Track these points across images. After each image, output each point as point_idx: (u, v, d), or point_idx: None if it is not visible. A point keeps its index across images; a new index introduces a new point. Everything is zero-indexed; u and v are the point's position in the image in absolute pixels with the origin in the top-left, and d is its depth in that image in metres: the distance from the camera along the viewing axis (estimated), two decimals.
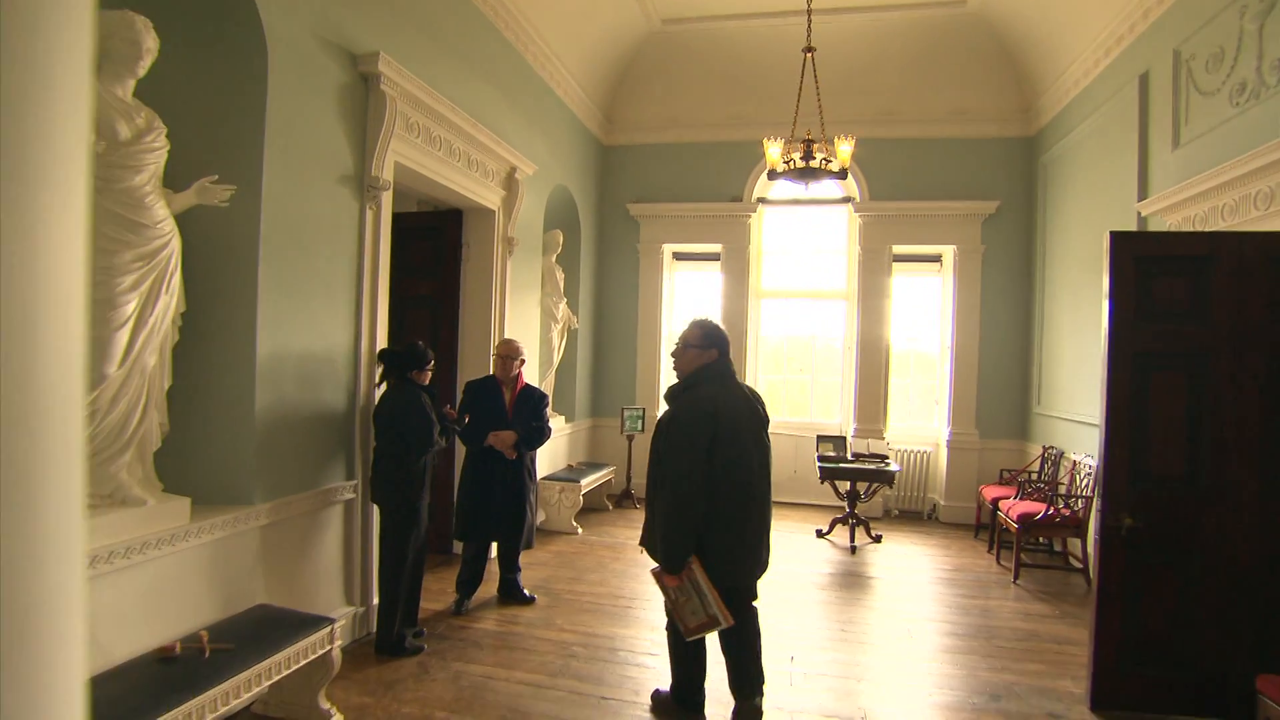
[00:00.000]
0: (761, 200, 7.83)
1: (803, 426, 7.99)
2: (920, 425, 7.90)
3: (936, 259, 7.75)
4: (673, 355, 3.03)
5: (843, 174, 4.46)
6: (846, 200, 7.74)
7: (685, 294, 8.40)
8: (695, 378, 2.88)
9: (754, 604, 2.99)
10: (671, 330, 8.28)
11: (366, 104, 3.79)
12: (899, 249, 7.55)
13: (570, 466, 6.94)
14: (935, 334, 7.85)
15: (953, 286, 7.40)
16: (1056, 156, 6.52)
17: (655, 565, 2.84)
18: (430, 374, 3.78)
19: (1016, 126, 7.21)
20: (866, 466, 6.03)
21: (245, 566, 3.06)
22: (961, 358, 7.33)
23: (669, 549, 2.70)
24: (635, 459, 7.38)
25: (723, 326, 3.09)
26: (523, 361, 4.39)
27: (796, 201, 7.95)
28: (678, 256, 8.29)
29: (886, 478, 5.99)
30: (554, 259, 6.91)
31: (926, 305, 7.90)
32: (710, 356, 2.91)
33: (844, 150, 4.45)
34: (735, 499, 2.77)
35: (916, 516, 7.42)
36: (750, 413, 2.91)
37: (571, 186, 7.12)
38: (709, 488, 2.71)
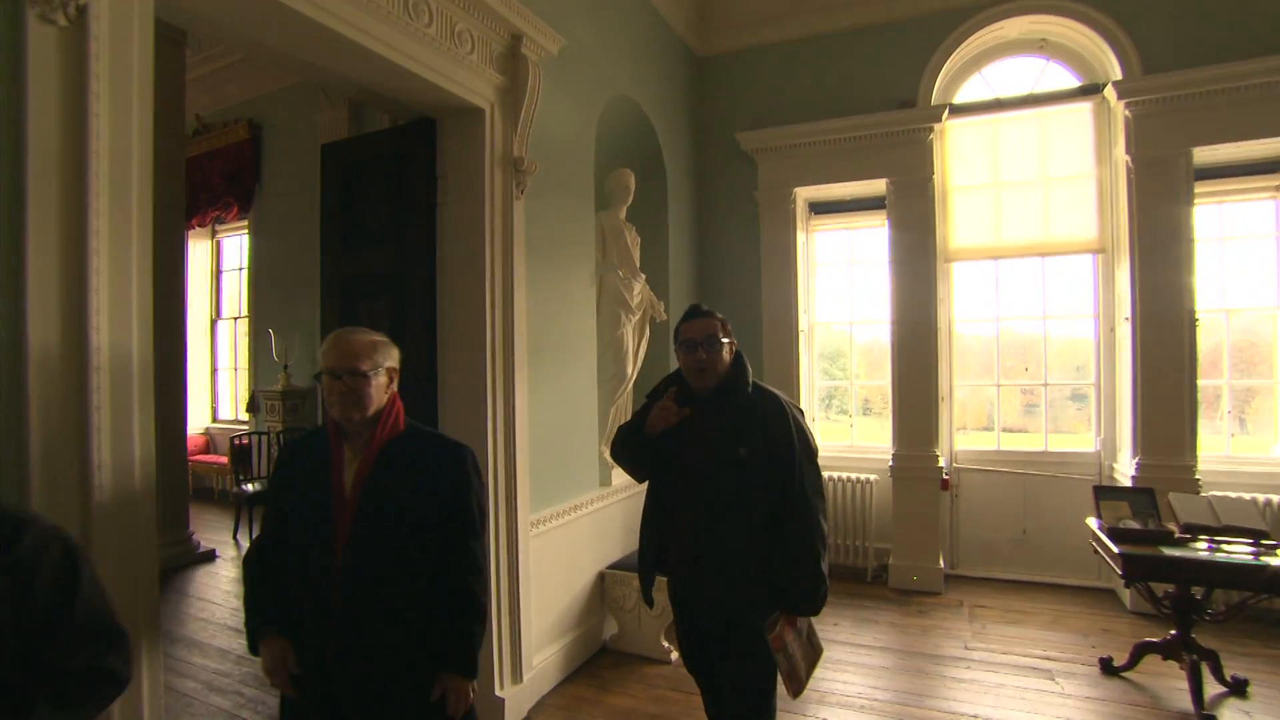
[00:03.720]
0: (949, 108, 4.98)
1: (1034, 459, 5.02)
2: (1247, 451, 4.68)
3: (1274, 168, 4.54)
4: (702, 350, 2.20)
5: None
6: (1089, 92, 4.73)
7: (831, 265, 5.68)
8: (749, 374, 2.27)
9: None
10: (813, 321, 5.60)
11: None
12: (1205, 154, 4.44)
13: None
14: (1271, 298, 4.62)
15: None
16: None
17: (774, 628, 2.12)
18: None
19: None
20: (1233, 558, 3.04)
21: None
22: None
23: (822, 583, 2.15)
24: None
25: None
26: (390, 375, 1.82)
27: (999, 104, 5.01)
28: (817, 209, 5.59)
29: (1275, 581, 2.97)
30: (623, 214, 4.48)
31: (1249, 251, 4.69)
32: (734, 346, 2.30)
33: None
34: None
35: (1260, 618, 4.21)
36: None
37: (646, 103, 4.67)
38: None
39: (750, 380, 2.24)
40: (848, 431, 5.60)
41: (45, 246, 1.56)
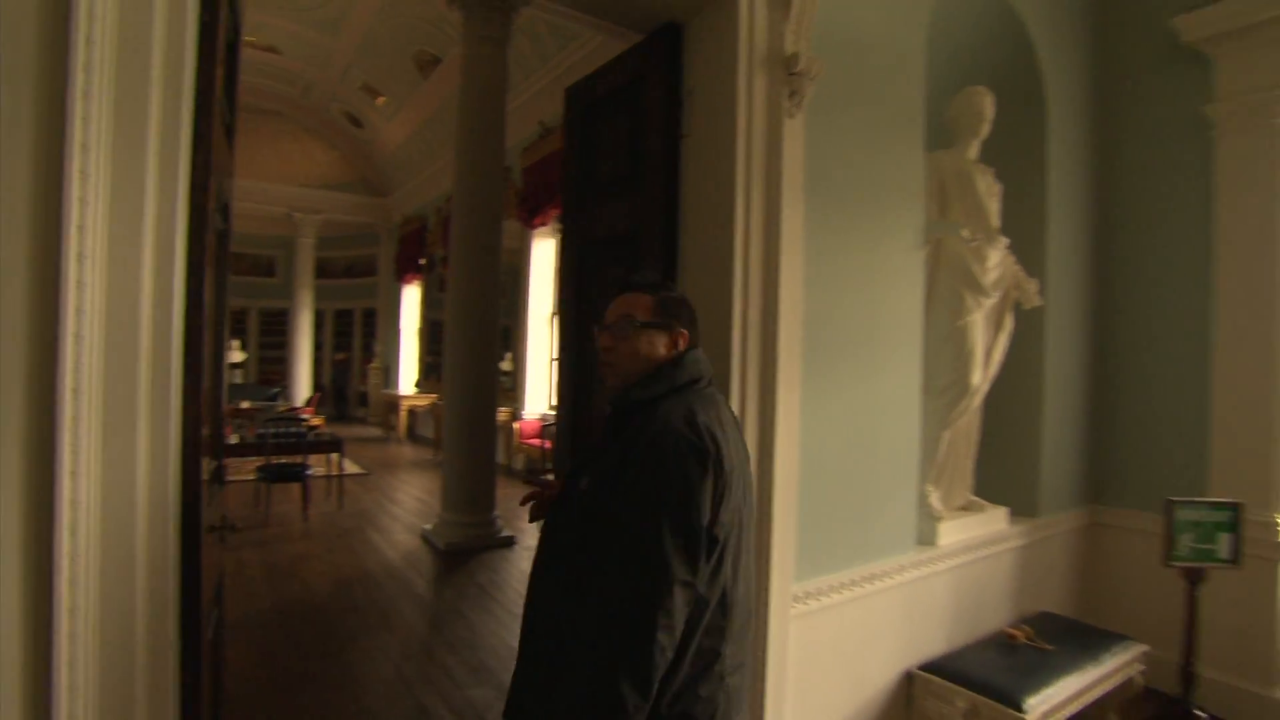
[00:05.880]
0: None
1: None
2: None
3: None
4: (605, 335, 1.44)
5: None
6: None
7: None
8: (664, 380, 1.37)
9: None
10: None
11: None
12: None
13: (1013, 638, 2.91)
14: None
15: None
16: None
17: None
18: None
19: None
20: None
21: None
22: None
23: None
24: (1203, 624, 2.97)
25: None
26: None
27: None
28: None
29: None
30: (973, 152, 3.10)
31: None
32: (679, 340, 1.43)
33: None
34: (738, 618, 1.31)
35: None
36: (746, 455, 1.42)
37: None
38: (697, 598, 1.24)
39: (669, 386, 1.35)
40: None
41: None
